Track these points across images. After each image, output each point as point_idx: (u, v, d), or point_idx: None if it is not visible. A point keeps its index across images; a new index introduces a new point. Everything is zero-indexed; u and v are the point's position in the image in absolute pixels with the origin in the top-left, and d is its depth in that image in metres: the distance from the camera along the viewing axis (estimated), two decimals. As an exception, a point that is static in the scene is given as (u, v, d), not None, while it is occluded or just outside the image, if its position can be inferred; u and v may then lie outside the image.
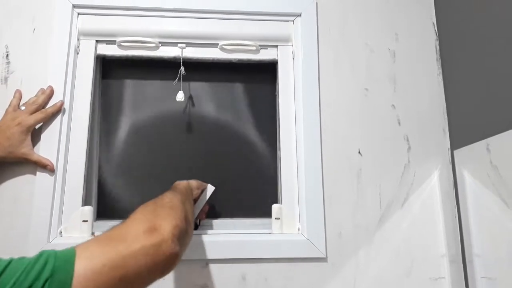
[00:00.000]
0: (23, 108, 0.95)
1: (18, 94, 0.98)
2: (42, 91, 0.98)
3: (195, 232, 1.00)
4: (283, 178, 1.05)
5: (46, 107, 0.97)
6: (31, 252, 0.89)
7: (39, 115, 0.94)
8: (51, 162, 0.95)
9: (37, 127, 0.96)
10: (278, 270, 0.97)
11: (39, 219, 0.93)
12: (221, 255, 0.96)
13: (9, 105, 0.95)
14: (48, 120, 0.97)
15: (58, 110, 0.98)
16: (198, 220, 1.00)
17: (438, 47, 1.14)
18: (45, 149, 0.96)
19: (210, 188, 0.98)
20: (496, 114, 0.88)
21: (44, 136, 0.97)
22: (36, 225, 0.92)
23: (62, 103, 0.99)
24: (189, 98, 1.12)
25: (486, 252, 0.89)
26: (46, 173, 0.95)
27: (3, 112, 0.95)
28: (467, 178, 0.96)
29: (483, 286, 0.89)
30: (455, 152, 1.03)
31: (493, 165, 0.86)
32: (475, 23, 0.97)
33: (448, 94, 1.10)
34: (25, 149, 0.93)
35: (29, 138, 0.93)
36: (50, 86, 0.99)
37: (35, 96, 0.97)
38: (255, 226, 1.03)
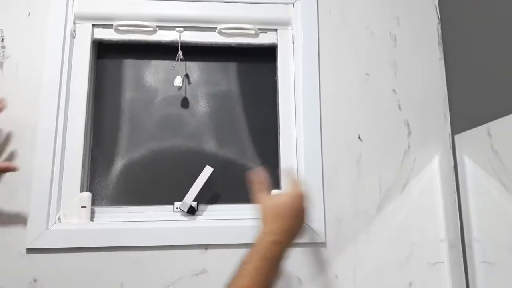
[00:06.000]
0: None
1: None
2: None
3: (193, 217, 1.00)
4: (283, 163, 1.05)
5: None
6: (29, 238, 0.91)
7: None
8: (11, 164, 0.91)
9: None
10: (277, 255, 0.97)
11: (38, 205, 0.93)
12: (221, 240, 0.96)
13: None
14: None
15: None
16: (196, 204, 1.00)
17: (440, 31, 1.12)
18: (42, 135, 0.96)
19: (208, 170, 0.98)
20: (497, 99, 0.87)
21: (41, 122, 0.96)
22: (34, 211, 0.92)
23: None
24: (188, 82, 1.11)
25: (485, 236, 0.89)
26: (44, 159, 0.95)
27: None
28: (467, 163, 0.96)
29: (482, 271, 0.90)
30: (455, 137, 1.03)
31: (493, 149, 0.85)
32: (478, 6, 0.95)
33: (449, 78, 1.09)
34: None
35: None
36: None
37: None
38: (255, 211, 1.03)
